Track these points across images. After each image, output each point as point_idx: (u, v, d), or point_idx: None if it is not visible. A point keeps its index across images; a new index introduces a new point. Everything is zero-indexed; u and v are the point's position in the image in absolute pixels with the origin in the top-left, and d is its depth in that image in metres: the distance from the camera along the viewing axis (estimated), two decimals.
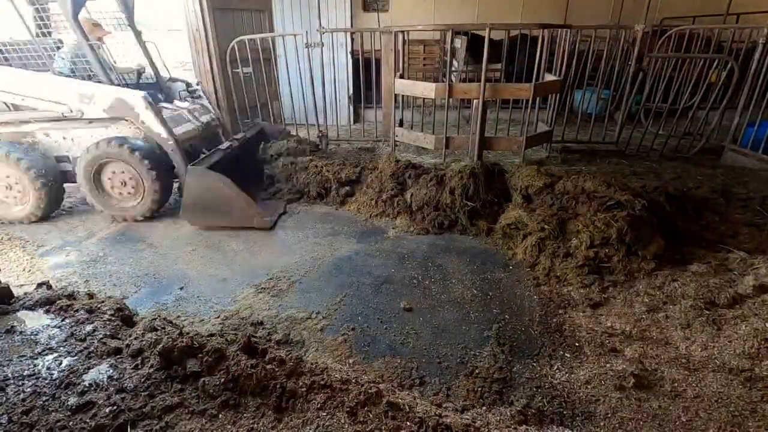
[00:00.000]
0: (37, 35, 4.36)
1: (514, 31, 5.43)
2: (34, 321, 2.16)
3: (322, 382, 1.77)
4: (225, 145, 4.30)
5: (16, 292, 2.46)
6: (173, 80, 4.98)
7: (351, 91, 7.41)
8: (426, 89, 4.89)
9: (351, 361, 2.30)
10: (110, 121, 3.95)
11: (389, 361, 2.29)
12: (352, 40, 7.11)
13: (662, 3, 6.37)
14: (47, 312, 2.22)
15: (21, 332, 2.06)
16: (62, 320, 2.15)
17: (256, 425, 1.60)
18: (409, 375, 2.19)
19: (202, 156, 4.03)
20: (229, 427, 1.59)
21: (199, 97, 4.97)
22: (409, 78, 5.85)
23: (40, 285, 2.53)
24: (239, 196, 3.68)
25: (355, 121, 7.39)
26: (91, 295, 2.55)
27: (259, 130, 5.11)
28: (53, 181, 3.98)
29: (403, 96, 5.86)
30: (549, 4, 9.20)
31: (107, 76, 3.98)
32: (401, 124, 5.77)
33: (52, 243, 3.71)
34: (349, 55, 7.20)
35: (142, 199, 3.96)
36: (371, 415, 1.62)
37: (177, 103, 4.70)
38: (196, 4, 5.38)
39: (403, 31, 5.15)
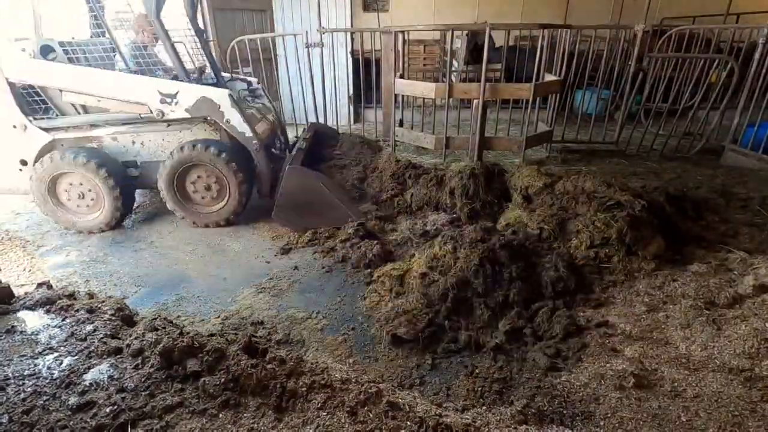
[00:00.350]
0: (92, 36, 4.21)
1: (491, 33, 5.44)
2: (35, 321, 2.16)
3: (322, 382, 1.78)
4: (301, 144, 4.15)
5: (17, 292, 2.46)
6: (233, 80, 4.76)
7: (351, 91, 7.41)
8: (426, 89, 4.89)
9: (351, 361, 2.31)
10: (188, 123, 3.80)
11: (389, 361, 2.29)
12: (352, 40, 7.11)
13: (662, 3, 6.38)
14: (47, 312, 2.22)
15: (21, 332, 2.06)
16: (63, 320, 2.15)
17: (256, 425, 1.60)
18: (409, 375, 2.19)
19: (291, 155, 3.86)
20: (230, 426, 1.59)
21: (260, 96, 4.76)
22: (409, 78, 5.85)
23: (40, 285, 2.53)
24: (336, 196, 3.61)
25: (355, 121, 7.40)
26: (91, 295, 2.56)
27: (315, 131, 4.89)
28: (127, 188, 3.84)
29: (403, 96, 5.87)
30: (549, 4, 9.21)
31: (187, 74, 3.80)
32: (401, 124, 5.78)
33: (52, 243, 3.71)
34: (349, 55, 7.20)
35: (226, 202, 3.84)
36: (371, 415, 1.63)
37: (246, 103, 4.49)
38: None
39: (403, 31, 5.15)
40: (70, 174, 3.68)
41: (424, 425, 1.59)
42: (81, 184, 3.72)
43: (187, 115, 3.67)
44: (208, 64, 4.54)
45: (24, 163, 3.80)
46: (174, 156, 3.68)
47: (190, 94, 3.62)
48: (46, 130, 3.74)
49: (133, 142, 3.84)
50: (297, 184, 3.56)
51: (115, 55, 4.06)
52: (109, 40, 4.10)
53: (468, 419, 1.74)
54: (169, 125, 3.79)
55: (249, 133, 3.72)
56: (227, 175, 3.72)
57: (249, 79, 4.81)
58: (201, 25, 5.52)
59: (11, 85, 3.61)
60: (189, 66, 4.41)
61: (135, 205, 4.17)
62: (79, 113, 3.87)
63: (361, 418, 1.62)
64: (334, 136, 5.11)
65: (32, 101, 3.78)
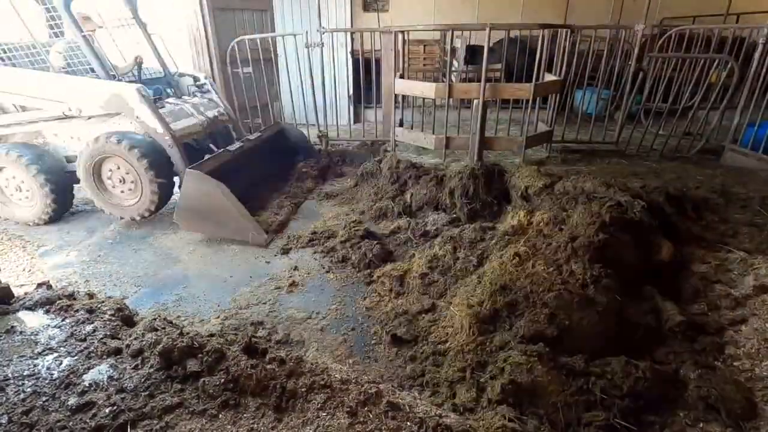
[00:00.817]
0: (52, 36, 4.31)
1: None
2: (34, 321, 2.16)
3: (322, 382, 1.77)
4: (235, 146, 4.15)
5: (16, 292, 2.46)
6: (181, 75, 4.86)
7: (351, 91, 7.40)
8: (426, 89, 4.89)
9: (351, 361, 2.31)
10: (109, 117, 3.84)
11: (389, 361, 2.29)
12: (352, 40, 7.10)
13: (662, 3, 6.37)
14: (47, 312, 2.22)
15: (21, 332, 2.06)
16: (62, 320, 2.15)
17: (256, 425, 1.60)
18: (409, 375, 2.19)
19: (207, 157, 3.90)
20: (229, 427, 1.59)
21: (207, 91, 4.80)
22: (409, 78, 5.85)
23: (40, 285, 2.53)
24: (236, 207, 3.49)
25: (355, 121, 7.39)
26: (91, 295, 2.55)
27: (278, 131, 4.91)
28: (61, 185, 3.92)
29: (403, 96, 5.86)
30: (549, 4, 9.20)
31: (104, 69, 3.90)
32: (401, 124, 5.77)
33: (52, 243, 3.71)
34: (349, 55, 7.20)
35: (140, 197, 3.79)
36: (371, 415, 1.63)
37: (184, 98, 4.58)
38: (196, 4, 5.38)
39: (403, 31, 5.15)
40: (5, 168, 3.88)
41: (424, 425, 1.58)
42: (14, 178, 3.90)
43: (102, 111, 3.74)
44: (153, 57, 4.62)
45: None
46: (88, 147, 3.69)
47: (101, 90, 3.71)
48: None
49: (71, 137, 3.96)
50: (195, 189, 3.47)
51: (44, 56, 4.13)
52: (66, 41, 4.19)
53: (468, 419, 1.74)
54: (89, 119, 3.85)
55: (160, 129, 3.70)
56: (138, 171, 3.66)
57: (196, 74, 4.92)
58: (201, 25, 5.53)
59: None
60: (124, 62, 4.53)
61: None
62: (18, 111, 4.01)
63: (361, 418, 1.62)
64: (300, 144, 5.08)
65: None
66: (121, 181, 3.81)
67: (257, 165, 4.43)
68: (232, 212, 3.49)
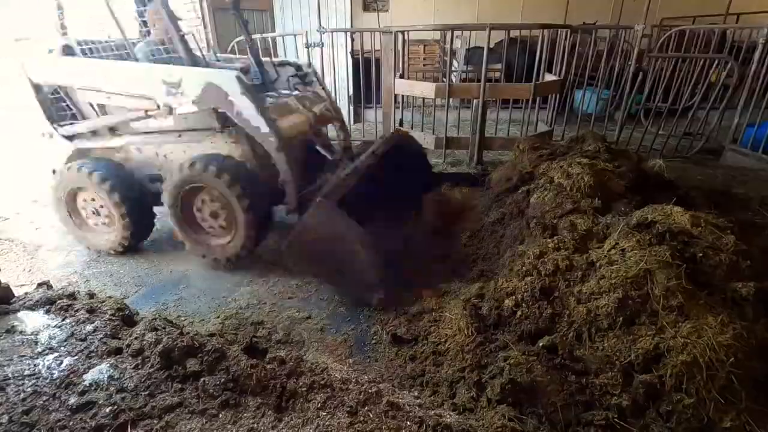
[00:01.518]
0: (143, 35, 3.82)
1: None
2: (35, 321, 2.16)
3: (322, 382, 1.78)
4: (363, 160, 3.19)
5: (17, 292, 2.46)
6: (282, 64, 4.10)
7: (351, 91, 7.41)
8: (426, 89, 4.90)
9: (351, 360, 2.31)
10: (205, 134, 3.26)
11: (389, 361, 2.29)
12: (352, 40, 7.11)
13: (662, 3, 6.38)
14: (48, 312, 2.22)
15: (21, 332, 2.06)
16: (63, 320, 2.15)
17: (256, 425, 1.60)
18: (409, 375, 2.19)
19: (331, 181, 3.01)
20: (229, 426, 1.59)
21: (311, 82, 4.06)
22: (409, 78, 5.86)
23: (40, 285, 2.53)
24: (369, 260, 2.62)
25: (355, 121, 7.40)
26: (91, 295, 2.55)
27: (395, 143, 3.71)
28: (140, 206, 3.38)
29: (403, 96, 5.87)
30: (549, 4, 9.21)
31: (196, 64, 3.27)
32: (401, 124, 5.78)
33: (52, 243, 3.71)
34: (349, 55, 7.20)
35: (233, 237, 3.15)
36: (371, 415, 1.63)
37: (283, 91, 3.85)
38: (196, 4, 5.39)
39: (403, 31, 5.16)
40: (85, 189, 3.35)
41: (424, 425, 1.59)
42: (93, 200, 3.37)
43: (195, 108, 3.04)
44: (252, 61, 3.95)
45: (55, 173, 3.50)
46: (174, 176, 3.10)
47: (194, 80, 2.98)
48: (70, 138, 3.49)
49: (157, 154, 3.37)
50: (322, 227, 2.65)
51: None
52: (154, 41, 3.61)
53: (468, 419, 1.74)
54: (180, 135, 3.29)
55: (264, 128, 2.94)
56: (231, 202, 3.02)
57: (299, 63, 4.15)
58: (201, 25, 5.53)
59: (37, 88, 3.41)
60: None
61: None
62: (97, 115, 3.49)
63: (361, 417, 1.62)
64: (418, 154, 4.09)
65: (60, 107, 3.54)
66: (213, 216, 3.19)
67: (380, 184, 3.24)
68: (363, 265, 2.64)
